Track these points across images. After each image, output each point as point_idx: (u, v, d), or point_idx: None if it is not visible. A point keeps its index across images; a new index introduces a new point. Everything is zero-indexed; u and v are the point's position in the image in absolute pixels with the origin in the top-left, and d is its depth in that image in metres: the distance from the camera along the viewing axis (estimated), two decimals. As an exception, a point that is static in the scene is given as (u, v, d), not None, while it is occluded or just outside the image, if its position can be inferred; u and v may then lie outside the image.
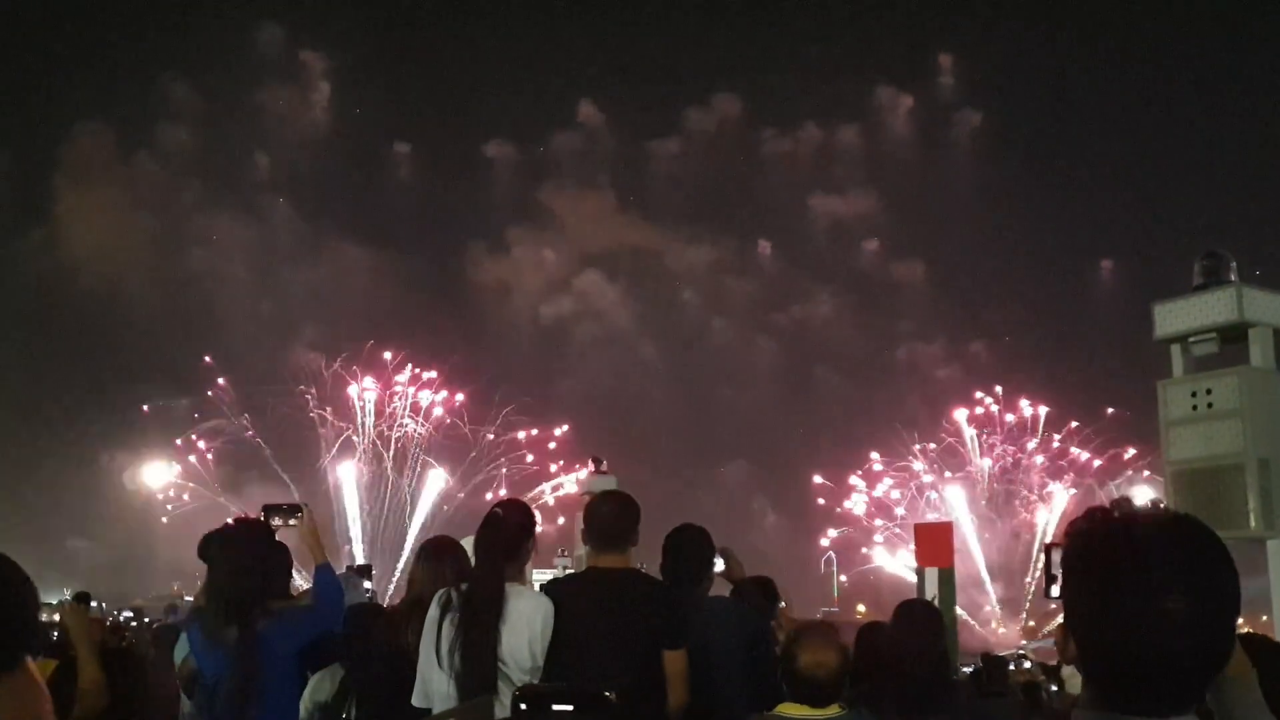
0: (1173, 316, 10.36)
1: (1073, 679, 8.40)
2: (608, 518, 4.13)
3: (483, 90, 55.27)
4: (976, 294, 51.99)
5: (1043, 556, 1.70)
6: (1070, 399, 44.09)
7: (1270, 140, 50.82)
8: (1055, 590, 1.56)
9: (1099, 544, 1.44)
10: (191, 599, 4.35)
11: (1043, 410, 44.32)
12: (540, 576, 7.30)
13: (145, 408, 43.96)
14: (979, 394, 45.15)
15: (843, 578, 43.34)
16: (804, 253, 56.39)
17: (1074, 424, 44.16)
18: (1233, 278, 10.29)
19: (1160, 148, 54.75)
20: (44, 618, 4.93)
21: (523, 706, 1.46)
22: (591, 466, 21.55)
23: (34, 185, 50.81)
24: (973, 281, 52.79)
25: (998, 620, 42.64)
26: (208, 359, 44.16)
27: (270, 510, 4.51)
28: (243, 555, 4.19)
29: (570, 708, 1.37)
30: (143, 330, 48.14)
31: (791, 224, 57.58)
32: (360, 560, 35.73)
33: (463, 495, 44.12)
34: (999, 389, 44.95)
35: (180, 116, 52.59)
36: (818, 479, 46.55)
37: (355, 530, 44.13)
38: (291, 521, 4.47)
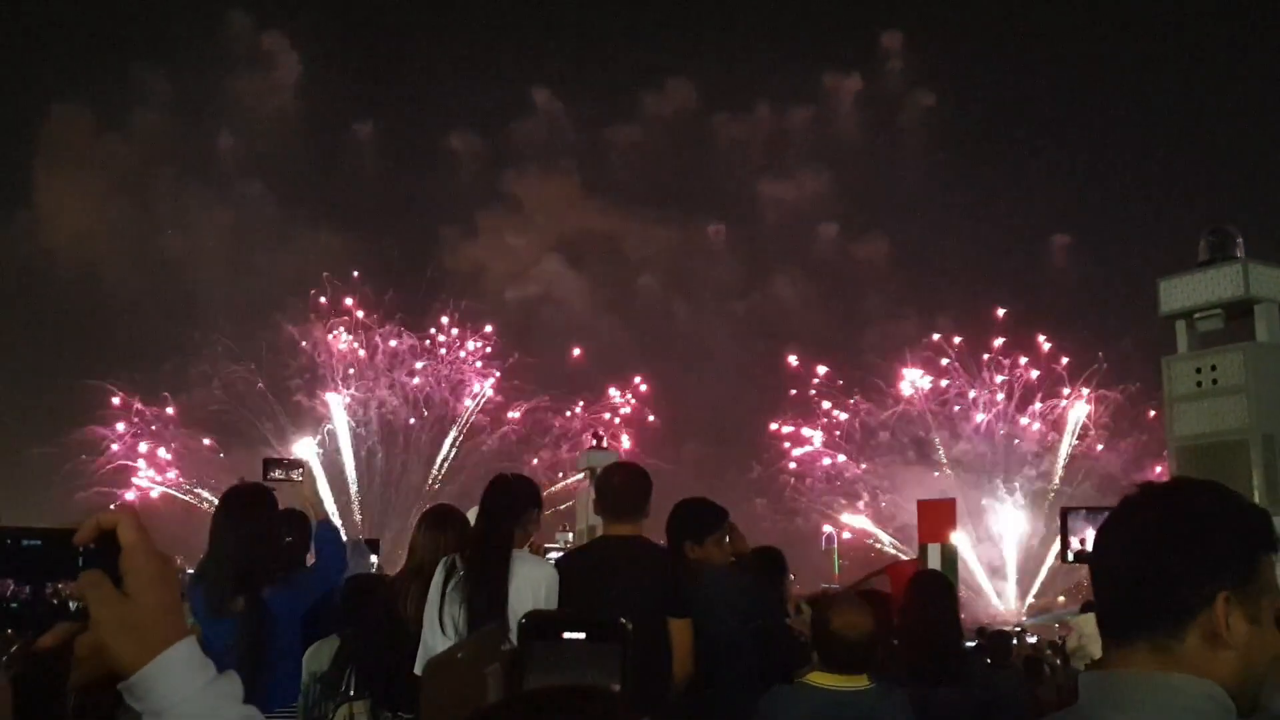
0: (1178, 292, 10.31)
1: (1078, 653, 8.41)
2: (620, 488, 4.17)
3: (441, 80, 54.81)
4: (940, 273, 51.47)
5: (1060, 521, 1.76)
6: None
7: (1230, 115, 50.03)
8: (1070, 555, 1.62)
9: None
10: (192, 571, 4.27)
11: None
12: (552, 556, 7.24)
13: (115, 402, 43.35)
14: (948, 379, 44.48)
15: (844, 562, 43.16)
16: (764, 236, 56.04)
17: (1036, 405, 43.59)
18: (1239, 254, 10.22)
19: (1119, 120, 54.10)
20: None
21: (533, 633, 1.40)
22: (592, 442, 21.57)
23: (12, 170, 50.43)
24: (935, 261, 52.31)
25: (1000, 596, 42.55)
26: (191, 336, 43.79)
27: (271, 464, 4.37)
28: (248, 523, 4.06)
29: (582, 635, 1.34)
30: (121, 311, 47.78)
31: (752, 208, 57.23)
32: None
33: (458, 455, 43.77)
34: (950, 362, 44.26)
35: (151, 102, 52.27)
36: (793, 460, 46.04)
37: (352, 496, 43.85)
38: (294, 475, 4.35)
